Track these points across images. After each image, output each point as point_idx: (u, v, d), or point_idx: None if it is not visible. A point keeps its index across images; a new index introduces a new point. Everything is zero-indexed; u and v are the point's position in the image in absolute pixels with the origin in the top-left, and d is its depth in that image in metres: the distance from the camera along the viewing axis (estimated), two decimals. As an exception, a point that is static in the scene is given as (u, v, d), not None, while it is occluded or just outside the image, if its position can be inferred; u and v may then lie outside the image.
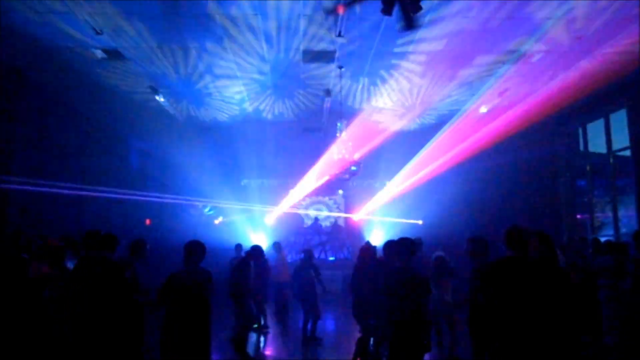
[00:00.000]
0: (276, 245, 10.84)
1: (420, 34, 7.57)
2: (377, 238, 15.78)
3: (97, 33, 7.46)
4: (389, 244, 5.26)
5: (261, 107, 11.75)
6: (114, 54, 8.52)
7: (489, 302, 3.59)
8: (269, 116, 12.45)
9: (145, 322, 5.18)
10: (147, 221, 15.55)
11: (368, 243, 7.37)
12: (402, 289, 4.44)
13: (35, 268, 4.75)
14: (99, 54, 8.49)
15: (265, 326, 9.43)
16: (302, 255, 8.94)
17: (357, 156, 10.41)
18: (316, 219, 18.37)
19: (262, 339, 8.96)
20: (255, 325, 8.88)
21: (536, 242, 3.73)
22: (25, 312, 4.43)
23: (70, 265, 5.46)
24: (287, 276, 10.03)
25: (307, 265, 8.63)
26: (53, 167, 10.21)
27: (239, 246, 10.45)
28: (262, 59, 8.80)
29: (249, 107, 11.63)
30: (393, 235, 15.64)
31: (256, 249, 8.34)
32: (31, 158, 9.53)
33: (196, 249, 4.65)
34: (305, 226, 18.59)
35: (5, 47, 7.88)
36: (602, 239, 8.55)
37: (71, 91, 10.39)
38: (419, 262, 5.94)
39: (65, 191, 10.27)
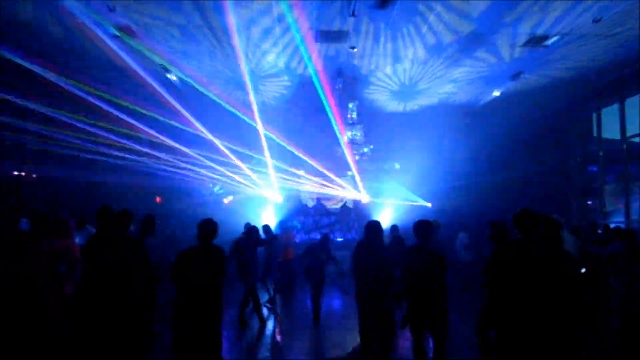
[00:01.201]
0: (282, 225, 11.53)
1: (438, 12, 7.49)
2: (385, 219, 15.79)
3: (111, 10, 7.45)
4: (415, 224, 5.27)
5: (273, 88, 11.71)
6: (126, 31, 8.51)
7: (498, 284, 3.69)
8: (281, 96, 12.41)
9: (157, 297, 5.28)
10: (158, 199, 15.72)
11: (374, 221, 7.31)
12: (421, 265, 4.83)
13: (47, 243, 4.80)
14: (112, 31, 8.48)
15: (272, 302, 9.64)
16: (318, 237, 9.15)
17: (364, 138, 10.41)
18: (318, 200, 18.44)
19: (266, 314, 9.13)
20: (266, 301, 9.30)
21: (542, 226, 3.80)
22: (40, 285, 4.50)
23: (78, 239, 5.57)
24: (292, 254, 10.55)
25: (320, 248, 8.72)
26: (65, 148, 10.34)
27: (248, 225, 10.56)
28: (275, 40, 8.75)
29: (261, 86, 11.59)
30: (401, 217, 15.70)
31: (248, 230, 8.55)
32: (42, 138, 9.63)
33: (209, 226, 4.70)
34: (309, 207, 18.66)
35: (17, 23, 7.93)
36: (612, 226, 8.52)
37: (83, 70, 10.41)
38: (437, 243, 6.10)
39: (77, 173, 10.46)
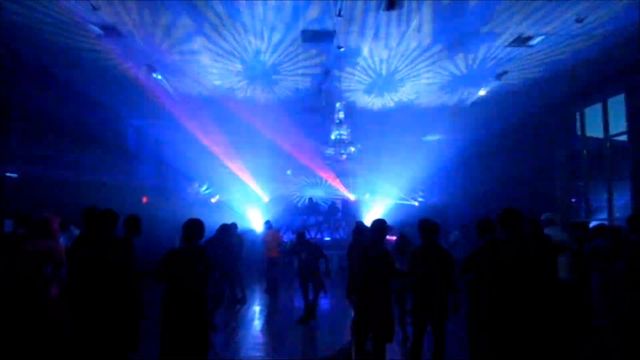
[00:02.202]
0: (267, 224, 11.96)
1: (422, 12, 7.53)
2: (373, 218, 15.87)
3: (94, 8, 7.37)
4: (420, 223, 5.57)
5: (259, 86, 11.67)
6: (110, 30, 8.42)
7: (482, 279, 3.77)
8: (268, 95, 12.37)
9: (144, 296, 5.24)
10: (144, 199, 15.60)
11: (360, 223, 7.46)
12: (427, 263, 5.20)
13: (32, 244, 4.75)
14: (96, 30, 8.39)
15: (242, 301, 9.95)
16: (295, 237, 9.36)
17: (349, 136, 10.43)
18: (310, 199, 18.48)
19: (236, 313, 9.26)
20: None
21: (528, 226, 3.91)
22: (26, 288, 4.45)
23: (62, 240, 5.51)
24: (276, 253, 10.74)
25: (304, 246, 8.76)
26: (49, 149, 10.22)
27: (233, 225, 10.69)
28: (261, 37, 8.72)
29: (245, 85, 11.54)
30: (388, 215, 15.75)
31: (219, 229, 8.72)
32: (27, 140, 9.49)
33: (195, 227, 4.69)
34: (299, 205, 18.69)
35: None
36: (596, 223, 8.63)
37: (67, 70, 10.30)
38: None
39: (62, 172, 10.33)
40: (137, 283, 5.03)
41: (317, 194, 19.07)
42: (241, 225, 15.21)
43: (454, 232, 10.02)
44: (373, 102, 12.71)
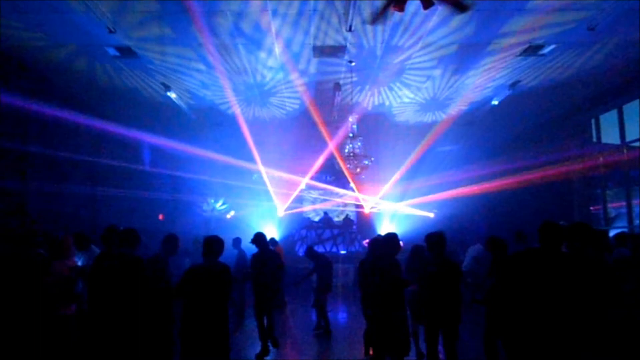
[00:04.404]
0: (272, 241, 11.13)
1: (432, 22, 7.58)
2: (388, 231, 15.81)
3: (111, 32, 7.54)
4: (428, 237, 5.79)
5: (272, 101, 11.79)
6: (126, 52, 8.61)
7: (510, 289, 3.74)
8: (280, 110, 12.49)
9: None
10: (160, 216, 15.76)
11: (378, 236, 7.46)
12: (436, 275, 5.39)
13: (58, 265, 4.85)
14: (112, 52, 8.58)
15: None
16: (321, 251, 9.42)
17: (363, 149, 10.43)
18: (325, 212, 18.50)
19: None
20: None
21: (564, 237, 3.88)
22: (54, 308, 4.52)
23: (77, 260, 5.60)
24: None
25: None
26: (67, 167, 10.41)
27: (237, 240, 10.83)
28: (273, 54, 8.84)
29: (258, 100, 11.65)
30: (404, 227, 15.70)
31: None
32: (45, 158, 9.67)
33: (214, 243, 4.74)
34: (315, 220, 18.71)
35: (17, 46, 8.06)
36: (616, 231, 8.51)
37: (84, 90, 10.53)
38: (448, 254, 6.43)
39: (80, 190, 10.49)
40: (169, 301, 5.05)
41: (332, 207, 19.07)
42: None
43: (476, 245, 9.40)
44: (391, 115, 12.79)
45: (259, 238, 7.58)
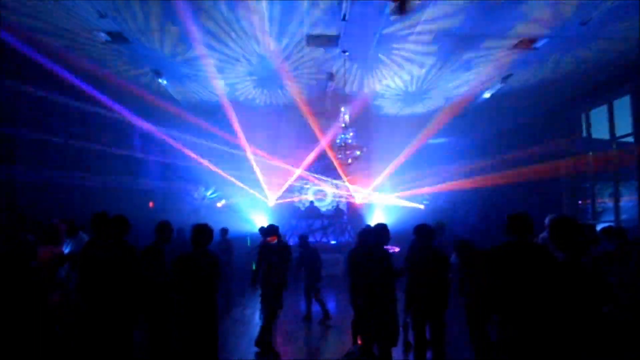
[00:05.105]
0: (222, 231, 10.95)
1: (425, 14, 7.54)
2: (377, 222, 15.86)
3: (101, 16, 7.43)
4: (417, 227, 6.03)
5: (264, 91, 11.72)
6: (117, 37, 8.50)
7: (492, 282, 3.76)
8: (272, 99, 12.43)
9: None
10: (150, 204, 15.68)
11: (368, 226, 7.46)
12: (425, 265, 5.61)
13: (43, 251, 4.79)
14: (103, 36, 8.46)
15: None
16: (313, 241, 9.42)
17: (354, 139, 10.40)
18: (311, 202, 18.51)
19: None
20: None
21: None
22: (40, 293, 4.48)
23: (66, 247, 5.55)
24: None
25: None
26: (57, 154, 10.30)
27: (223, 230, 10.86)
28: (265, 41, 8.77)
29: (251, 90, 11.59)
30: (395, 218, 15.77)
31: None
32: (35, 145, 9.55)
33: (204, 232, 4.72)
34: (301, 209, 18.71)
35: (7, 31, 7.90)
36: (603, 225, 8.59)
37: (74, 76, 10.38)
38: (440, 245, 6.51)
39: (69, 177, 10.40)
40: (167, 290, 5.01)
41: (323, 197, 19.08)
42: (244, 229, 15.31)
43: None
44: (382, 107, 12.79)
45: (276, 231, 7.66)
